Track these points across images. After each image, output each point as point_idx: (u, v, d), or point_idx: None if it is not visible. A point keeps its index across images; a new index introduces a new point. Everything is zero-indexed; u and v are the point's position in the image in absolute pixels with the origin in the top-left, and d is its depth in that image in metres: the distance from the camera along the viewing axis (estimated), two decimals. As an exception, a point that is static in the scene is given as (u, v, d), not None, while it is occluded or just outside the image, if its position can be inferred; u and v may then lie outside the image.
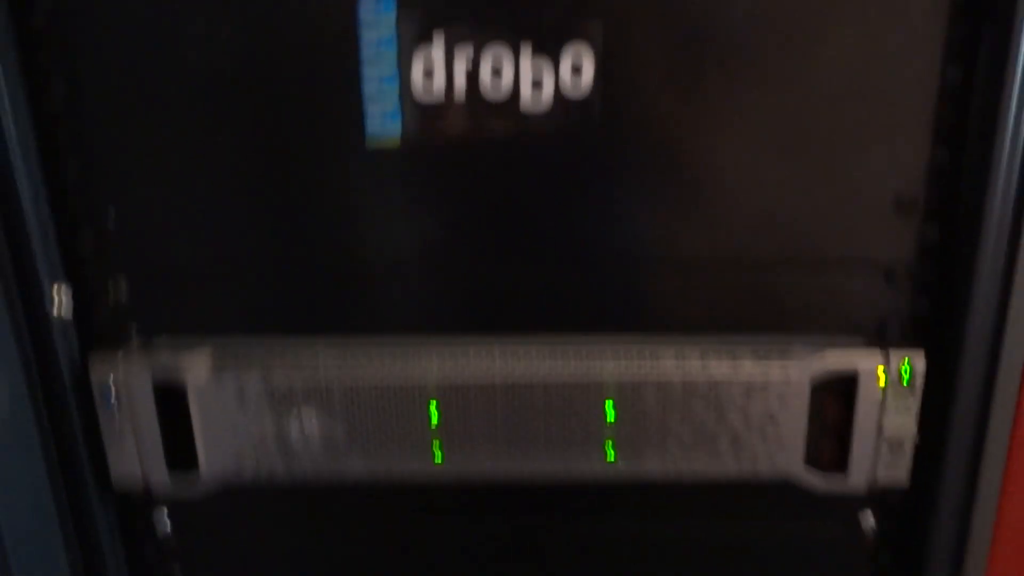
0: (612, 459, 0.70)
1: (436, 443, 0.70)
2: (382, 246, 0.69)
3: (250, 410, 0.69)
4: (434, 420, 0.69)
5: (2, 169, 0.64)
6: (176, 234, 0.70)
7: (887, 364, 0.66)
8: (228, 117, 0.66)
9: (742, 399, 0.67)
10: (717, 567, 0.77)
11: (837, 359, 0.66)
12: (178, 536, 0.78)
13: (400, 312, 0.71)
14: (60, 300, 0.69)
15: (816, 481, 0.69)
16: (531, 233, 0.68)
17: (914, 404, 0.67)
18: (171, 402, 0.71)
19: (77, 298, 0.71)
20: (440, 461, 0.71)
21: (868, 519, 0.74)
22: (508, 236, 0.68)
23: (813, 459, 0.70)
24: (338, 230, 0.69)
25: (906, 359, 0.66)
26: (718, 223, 0.67)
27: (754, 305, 0.69)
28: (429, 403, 0.69)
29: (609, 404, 0.68)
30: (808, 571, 0.77)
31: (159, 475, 0.72)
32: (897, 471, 0.69)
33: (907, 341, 0.68)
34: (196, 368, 0.69)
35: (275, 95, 0.65)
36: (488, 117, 0.64)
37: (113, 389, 0.69)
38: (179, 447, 0.72)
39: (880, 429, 0.67)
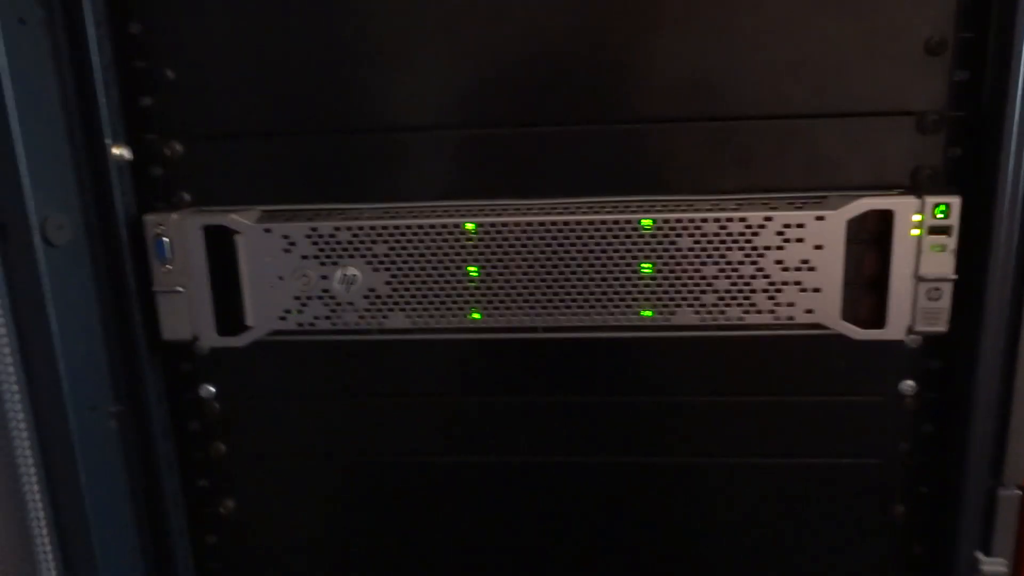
0: (648, 313, 0.71)
1: (475, 297, 0.71)
2: (428, 109, 0.72)
3: (296, 260, 0.72)
4: (473, 272, 0.71)
5: (77, 32, 0.69)
6: (230, 102, 0.73)
7: (922, 208, 0.67)
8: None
9: (778, 246, 0.68)
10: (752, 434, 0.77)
11: (872, 201, 0.67)
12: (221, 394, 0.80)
13: (443, 180, 0.73)
14: (121, 157, 0.72)
15: (853, 331, 0.69)
16: (564, 91, 0.70)
17: (951, 244, 0.67)
18: (221, 262, 0.73)
19: (136, 163, 0.74)
20: (478, 316, 0.72)
21: (907, 383, 0.73)
22: (543, 95, 0.71)
23: (850, 312, 0.70)
24: (382, 96, 0.72)
25: (942, 203, 0.66)
26: (748, 77, 0.69)
27: (787, 162, 0.70)
28: (468, 255, 0.70)
29: (645, 262, 0.69)
30: (845, 443, 0.76)
31: (207, 328, 0.74)
32: (936, 317, 0.68)
33: (942, 189, 0.68)
34: (247, 220, 0.72)
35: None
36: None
37: (167, 241, 0.72)
38: (227, 304, 0.74)
39: (917, 272, 0.67)
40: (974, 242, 0.67)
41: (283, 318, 0.73)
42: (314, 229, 0.71)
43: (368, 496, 0.82)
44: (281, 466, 0.82)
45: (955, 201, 0.66)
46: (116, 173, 0.72)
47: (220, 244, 0.73)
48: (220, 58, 0.72)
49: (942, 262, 0.67)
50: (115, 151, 0.72)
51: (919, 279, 0.68)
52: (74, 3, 0.68)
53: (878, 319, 0.70)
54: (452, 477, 0.81)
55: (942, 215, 0.66)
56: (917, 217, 0.67)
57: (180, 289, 0.73)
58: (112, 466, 0.77)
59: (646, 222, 0.68)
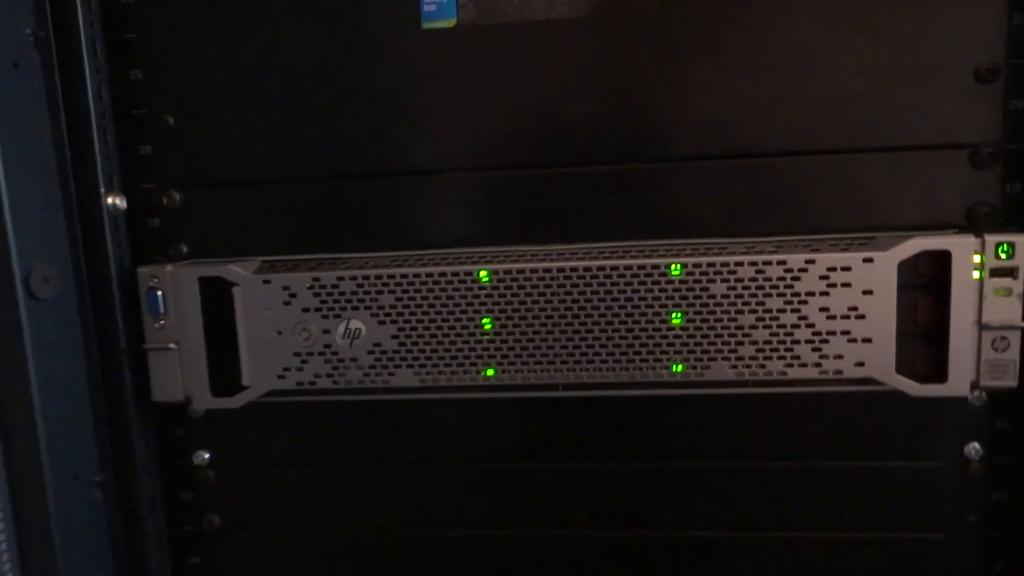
0: (679, 368, 0.64)
1: (488, 352, 0.65)
2: (434, 155, 0.68)
3: (297, 314, 0.66)
4: (487, 326, 0.65)
5: (74, 78, 0.66)
6: (231, 149, 0.69)
7: (983, 247, 0.60)
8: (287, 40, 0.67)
9: (822, 291, 0.61)
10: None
11: (926, 241, 0.61)
12: (215, 458, 0.74)
13: (454, 227, 0.69)
14: (115, 206, 0.69)
15: (910, 386, 0.62)
16: (585, 128, 0.66)
17: (1017, 288, 0.60)
18: (217, 317, 0.68)
19: (131, 213, 0.70)
20: (492, 373, 0.66)
21: (972, 446, 0.66)
22: (563, 132, 0.66)
23: (906, 365, 0.63)
24: (389, 141, 0.68)
25: (1004, 242, 0.60)
26: (784, 110, 0.64)
27: (829, 202, 0.64)
28: (481, 305, 0.65)
29: (675, 311, 0.63)
30: (905, 516, 0.68)
31: (201, 388, 0.69)
32: (1003, 370, 0.61)
33: (1003, 227, 0.62)
34: (245, 270, 0.67)
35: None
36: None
37: (160, 294, 0.68)
38: (222, 363, 0.69)
39: (980, 320, 0.61)
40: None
41: (282, 376, 0.68)
42: (316, 279, 0.66)
43: (377, 574, 0.75)
44: (281, 541, 0.75)
45: (1020, 240, 0.60)
46: (110, 223, 0.68)
47: (217, 298, 0.68)
48: (222, 104, 0.69)
49: (1008, 308, 0.60)
50: (109, 200, 0.68)
51: (983, 327, 0.61)
52: (73, 49, 0.66)
53: (938, 373, 0.62)
54: (468, 553, 0.73)
55: (1006, 255, 0.60)
56: (977, 258, 0.60)
57: (173, 346, 0.68)
58: (95, 542, 0.70)
59: (675, 268, 0.63)
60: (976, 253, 0.60)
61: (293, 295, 0.66)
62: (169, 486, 0.75)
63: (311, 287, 0.66)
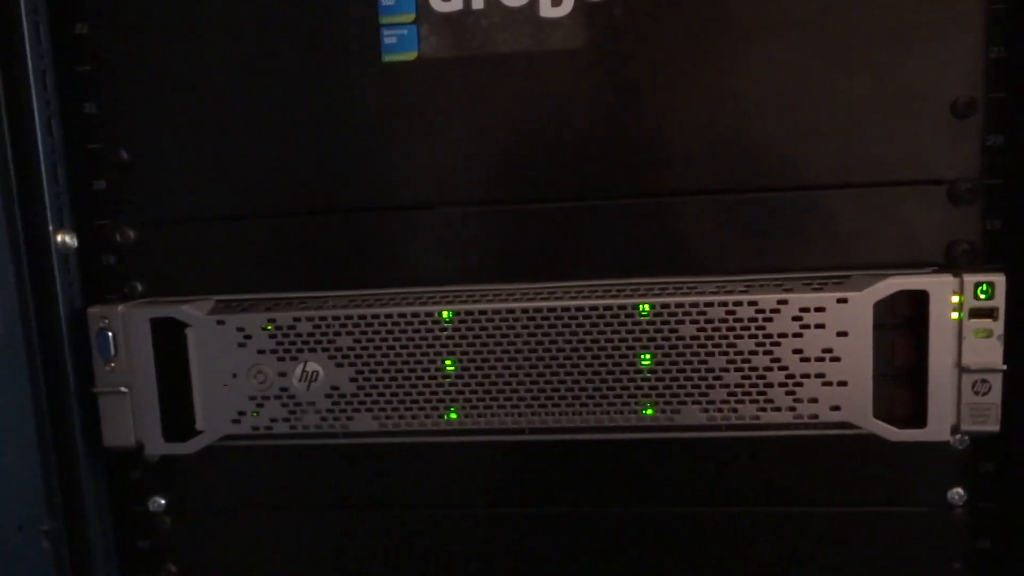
0: (649, 411, 0.61)
1: (451, 396, 0.63)
2: (398, 191, 0.65)
3: (252, 356, 0.64)
4: (449, 368, 0.63)
5: (22, 112, 0.64)
6: (188, 184, 0.67)
7: (961, 287, 0.58)
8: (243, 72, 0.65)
9: (795, 333, 0.59)
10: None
11: (902, 280, 0.58)
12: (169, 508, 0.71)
13: (416, 265, 0.66)
14: (65, 244, 0.66)
15: (888, 431, 0.60)
16: (550, 165, 0.63)
17: (997, 329, 0.58)
18: (170, 360, 0.66)
19: (84, 250, 0.68)
20: (455, 416, 0.63)
21: (955, 491, 0.63)
22: (527, 169, 0.64)
23: (885, 409, 0.60)
24: (350, 177, 0.66)
25: (983, 282, 0.58)
26: (757, 145, 0.61)
27: (802, 239, 0.62)
28: (443, 346, 0.62)
29: (644, 353, 0.61)
30: (886, 564, 0.65)
31: (153, 433, 0.66)
32: (984, 414, 0.58)
33: (983, 267, 0.60)
34: (198, 311, 0.64)
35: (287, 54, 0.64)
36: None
37: (111, 336, 0.65)
38: (175, 407, 0.66)
39: (959, 362, 0.58)
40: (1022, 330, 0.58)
41: (237, 421, 0.65)
42: (271, 320, 0.64)
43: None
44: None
45: (999, 279, 0.57)
46: (59, 262, 0.66)
47: (170, 339, 0.65)
48: (179, 139, 0.66)
49: (988, 349, 0.58)
50: (59, 238, 0.66)
51: (963, 370, 0.58)
52: (20, 83, 0.64)
53: (917, 417, 0.60)
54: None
55: (985, 296, 0.58)
56: (956, 299, 0.58)
57: (124, 389, 0.66)
58: (44, 593, 0.67)
59: (643, 307, 0.60)
60: (954, 293, 0.58)
61: (248, 336, 0.64)
62: (123, 534, 0.72)
63: (267, 328, 0.64)
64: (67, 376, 0.66)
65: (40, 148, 0.64)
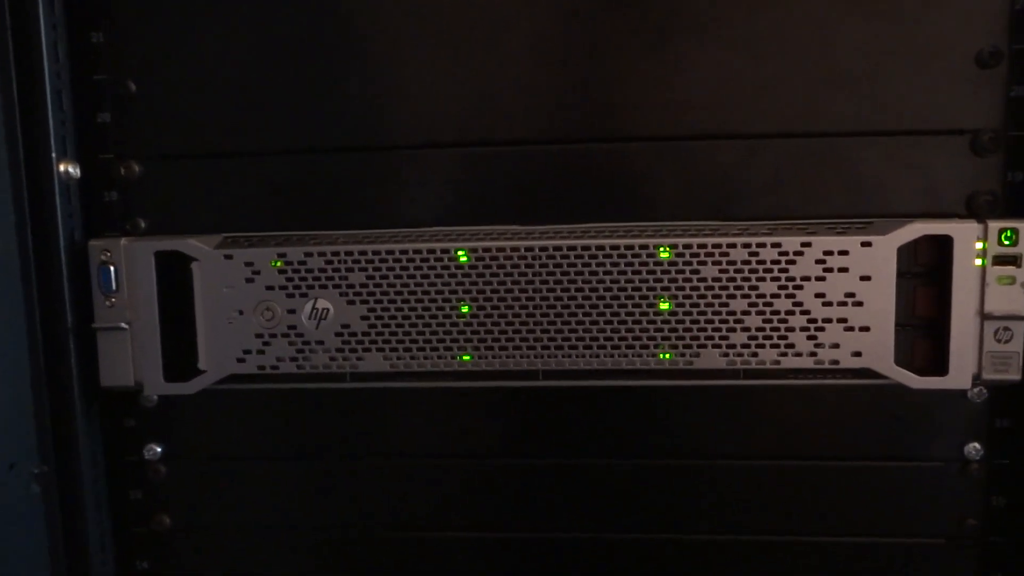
0: (667, 356, 0.60)
1: (465, 336, 0.61)
2: (411, 130, 0.64)
3: (260, 292, 0.62)
4: (464, 309, 0.61)
5: (29, 35, 0.62)
6: (196, 118, 0.65)
7: (985, 234, 0.58)
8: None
9: (818, 276, 0.58)
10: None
11: (927, 226, 0.58)
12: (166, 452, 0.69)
13: (433, 206, 0.64)
14: (68, 174, 0.64)
15: (909, 378, 0.59)
16: (572, 105, 0.62)
17: (1021, 276, 0.57)
18: (173, 298, 0.64)
19: (86, 185, 0.66)
20: (468, 359, 0.62)
21: (972, 446, 0.63)
22: (549, 108, 0.63)
23: (905, 358, 0.60)
24: (364, 114, 0.64)
25: (1008, 228, 0.57)
26: (778, 91, 0.61)
27: (824, 186, 0.61)
28: (459, 285, 0.61)
29: (663, 296, 0.60)
30: (901, 519, 0.64)
31: (153, 372, 0.64)
32: (1006, 363, 0.58)
33: (1005, 216, 0.59)
34: (205, 245, 0.62)
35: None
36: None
37: (113, 270, 0.63)
38: (177, 348, 0.64)
39: (982, 309, 0.58)
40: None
41: (242, 360, 0.63)
42: (282, 255, 0.62)
43: (339, 580, 0.70)
44: (237, 544, 0.70)
45: (1023, 226, 0.57)
46: (61, 191, 0.63)
47: (174, 275, 0.63)
48: (188, 71, 0.64)
49: (1011, 297, 0.58)
50: (62, 167, 0.64)
51: (985, 317, 0.58)
52: (29, 5, 0.62)
53: (938, 366, 0.59)
54: (438, 555, 0.68)
55: (1009, 242, 0.57)
56: (979, 245, 0.58)
57: (124, 326, 0.63)
58: (31, 540, 0.64)
59: (664, 251, 0.59)
60: (978, 240, 0.58)
61: (257, 272, 0.62)
62: (116, 482, 0.69)
63: (276, 264, 0.62)
64: (65, 310, 0.63)
65: (46, 72, 0.62)
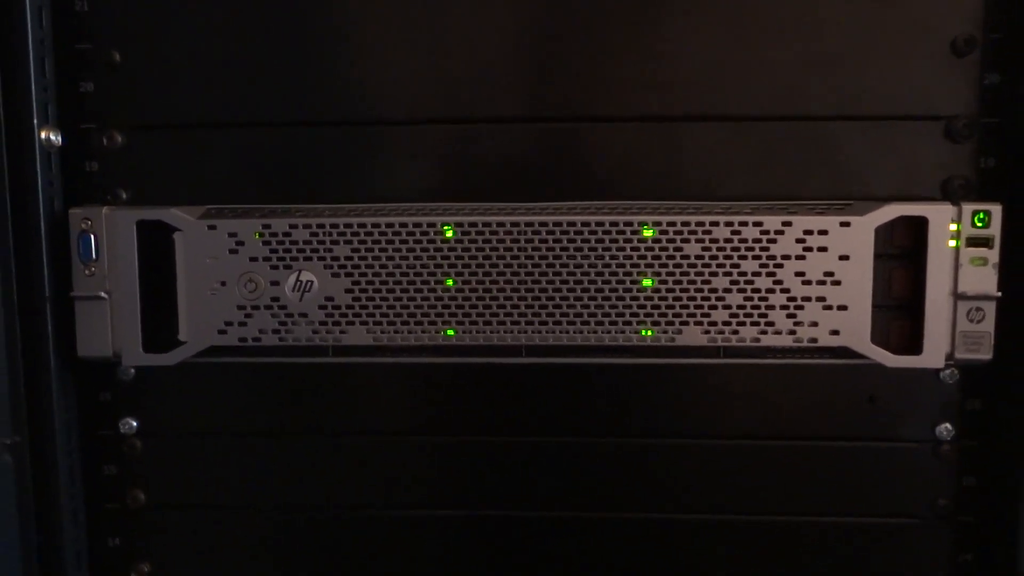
0: (649, 333, 0.61)
1: (449, 311, 0.61)
2: (397, 104, 0.64)
3: (244, 263, 0.62)
4: (449, 283, 0.61)
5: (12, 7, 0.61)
6: (180, 88, 0.65)
7: (959, 216, 0.59)
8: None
9: (798, 255, 0.59)
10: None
11: (903, 207, 0.59)
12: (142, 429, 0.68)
13: (418, 182, 0.65)
14: (49, 141, 0.63)
15: (885, 356, 0.60)
16: (558, 84, 0.63)
17: (993, 258, 0.59)
18: (154, 270, 0.63)
19: (66, 155, 0.65)
20: (452, 333, 0.62)
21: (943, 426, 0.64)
22: (534, 86, 0.63)
23: (881, 337, 0.61)
24: (349, 87, 0.64)
25: (981, 211, 0.59)
26: (760, 74, 0.62)
27: (803, 168, 0.63)
28: (443, 258, 0.61)
29: (646, 274, 0.60)
30: (874, 499, 0.66)
31: (132, 343, 0.63)
32: (978, 342, 0.59)
33: (978, 199, 0.61)
34: (187, 215, 0.62)
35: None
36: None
37: (93, 238, 0.62)
38: (157, 320, 0.63)
39: (955, 289, 0.59)
40: (1017, 260, 0.60)
41: (223, 331, 0.62)
42: (266, 227, 0.61)
43: (321, 559, 0.69)
44: (213, 522, 0.69)
45: (996, 209, 0.59)
46: (42, 158, 0.63)
47: (155, 247, 0.63)
48: (172, 42, 0.64)
49: (984, 278, 0.59)
50: (43, 134, 0.63)
51: (958, 297, 0.59)
52: (11, -31, 0.61)
53: (913, 345, 0.61)
54: (419, 534, 0.68)
55: (981, 224, 0.59)
56: (954, 227, 0.59)
57: (104, 295, 0.63)
58: (1, 512, 0.63)
59: (647, 230, 0.60)
60: (953, 222, 0.59)
61: (240, 243, 0.62)
62: (90, 457, 0.68)
63: (260, 235, 0.62)
64: (43, 279, 0.63)
65: (30, 40, 0.62)
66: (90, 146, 0.65)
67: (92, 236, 0.62)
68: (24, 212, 0.62)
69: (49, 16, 0.64)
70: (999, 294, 0.59)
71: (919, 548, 0.65)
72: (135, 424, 0.68)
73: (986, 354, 0.60)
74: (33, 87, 0.62)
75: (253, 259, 0.62)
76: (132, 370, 0.66)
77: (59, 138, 0.64)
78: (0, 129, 0.61)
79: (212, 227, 0.62)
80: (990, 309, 0.59)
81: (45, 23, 0.63)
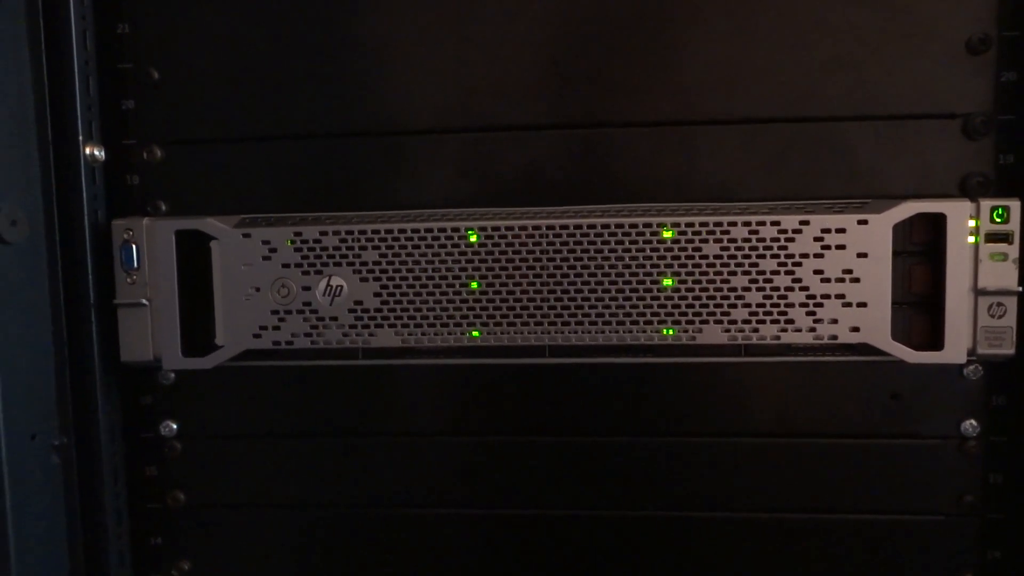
0: (671, 332, 0.62)
1: (474, 312, 0.63)
2: (423, 115, 0.66)
3: (277, 269, 0.64)
4: (474, 286, 0.63)
5: (60, 24, 0.65)
6: (216, 105, 0.68)
7: (978, 212, 0.60)
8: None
9: (816, 253, 0.60)
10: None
11: (921, 204, 0.60)
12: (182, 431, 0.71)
13: (443, 189, 0.67)
14: (94, 156, 0.67)
15: (906, 352, 0.61)
16: (577, 91, 0.65)
17: (1013, 252, 0.59)
18: (192, 277, 0.66)
19: (109, 169, 0.68)
20: (478, 335, 0.64)
21: (969, 423, 0.64)
22: (554, 94, 0.65)
23: (902, 334, 0.61)
24: (378, 100, 0.67)
25: (999, 206, 0.59)
26: (777, 76, 0.63)
27: (820, 168, 0.64)
28: (468, 262, 0.63)
29: (666, 274, 0.62)
30: (900, 496, 0.66)
31: (171, 347, 0.66)
32: (1000, 337, 0.60)
33: (997, 196, 0.61)
34: (223, 224, 0.65)
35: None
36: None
37: (135, 248, 0.65)
38: (195, 324, 0.66)
39: (975, 285, 0.60)
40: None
41: (258, 335, 0.65)
42: (298, 234, 0.64)
43: (354, 557, 0.71)
44: (251, 521, 0.72)
45: (1015, 205, 0.59)
46: (87, 172, 0.66)
47: (193, 254, 0.66)
48: (208, 59, 0.67)
49: (1004, 273, 0.59)
50: (88, 150, 0.66)
51: (979, 293, 0.60)
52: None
53: (934, 341, 0.61)
54: (452, 532, 0.70)
55: (1000, 219, 0.59)
56: (972, 223, 0.60)
57: (145, 302, 0.66)
58: (49, 510, 0.66)
59: (667, 231, 0.61)
60: (971, 218, 0.60)
61: (273, 250, 0.64)
62: (132, 458, 0.71)
63: (292, 242, 0.64)
64: (88, 287, 0.66)
65: (75, 60, 0.65)
66: (131, 160, 0.69)
67: (134, 246, 0.65)
68: (70, 224, 0.65)
69: (93, 38, 0.67)
70: (1020, 289, 0.59)
71: (946, 545, 0.65)
72: (175, 427, 0.70)
73: (1008, 349, 0.60)
74: (79, 106, 0.65)
75: (285, 265, 0.64)
76: (172, 374, 0.69)
77: (102, 153, 0.67)
78: (48, 146, 0.64)
79: (246, 235, 0.64)
80: (1011, 304, 0.60)
81: (89, 45, 0.67)
